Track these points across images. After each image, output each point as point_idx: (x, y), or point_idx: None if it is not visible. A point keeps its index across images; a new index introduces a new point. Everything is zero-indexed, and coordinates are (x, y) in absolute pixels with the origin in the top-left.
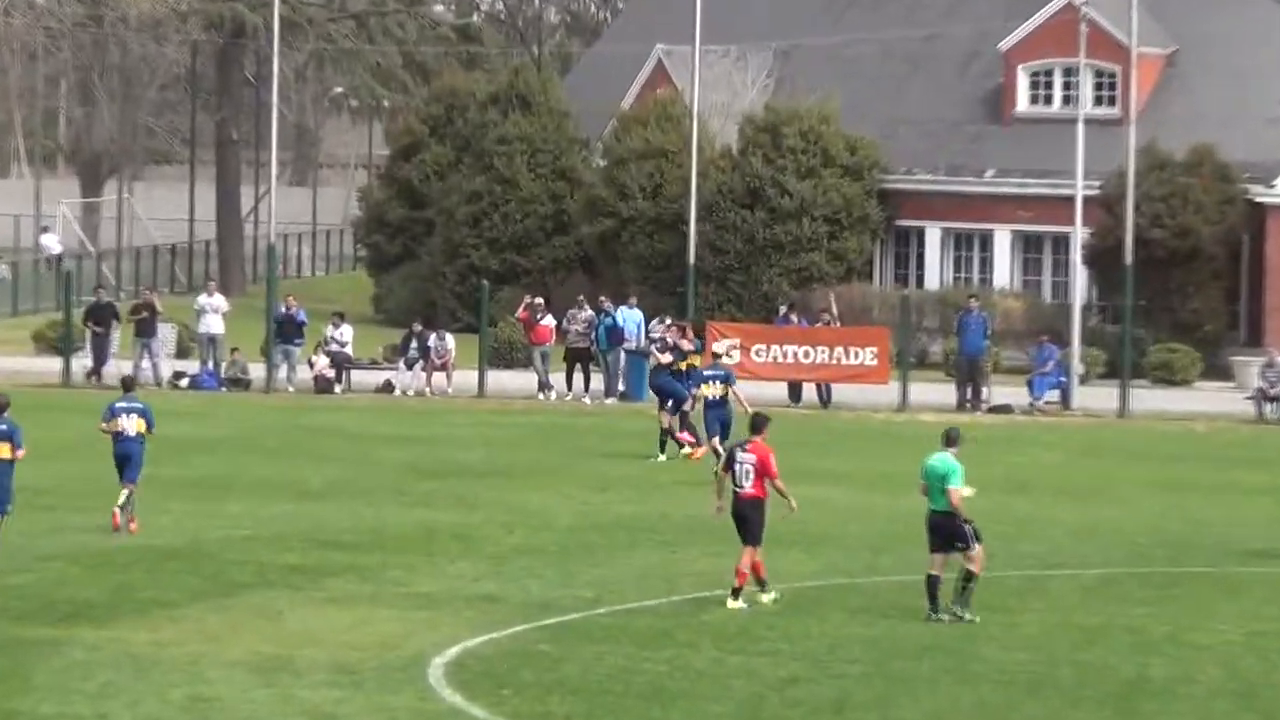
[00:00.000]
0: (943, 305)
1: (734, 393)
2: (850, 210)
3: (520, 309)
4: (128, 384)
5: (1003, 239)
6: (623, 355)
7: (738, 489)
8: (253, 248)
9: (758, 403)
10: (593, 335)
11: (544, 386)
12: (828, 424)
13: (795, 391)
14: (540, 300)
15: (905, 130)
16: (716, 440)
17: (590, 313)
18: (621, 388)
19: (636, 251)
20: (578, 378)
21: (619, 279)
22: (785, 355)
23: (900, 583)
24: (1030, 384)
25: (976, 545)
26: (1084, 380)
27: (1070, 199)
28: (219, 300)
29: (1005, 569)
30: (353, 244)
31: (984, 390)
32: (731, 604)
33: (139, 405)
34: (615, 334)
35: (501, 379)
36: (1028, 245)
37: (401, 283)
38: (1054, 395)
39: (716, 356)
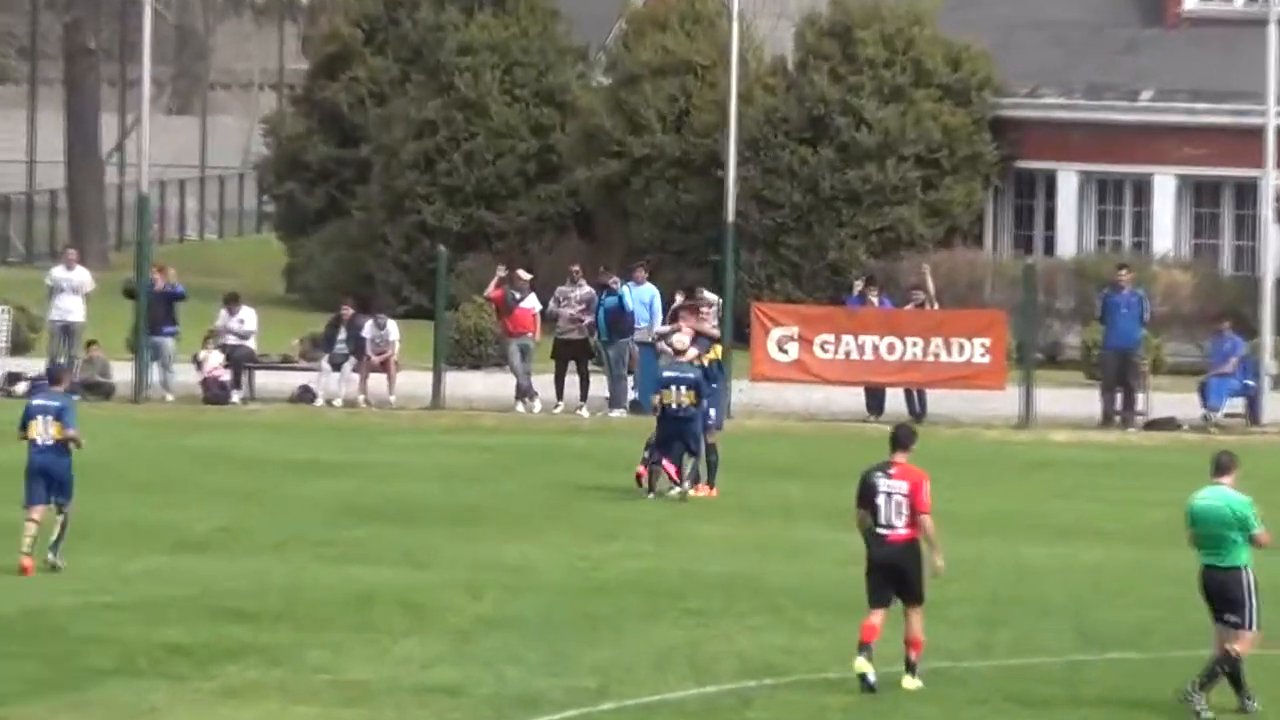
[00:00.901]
0: (1081, 279)
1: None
2: (953, 147)
3: (492, 286)
4: (54, 375)
5: (1164, 187)
6: (633, 349)
7: (884, 530)
8: (117, 200)
9: (822, 415)
10: (591, 321)
11: (524, 393)
12: (922, 445)
13: (875, 400)
14: (520, 274)
15: (1028, 37)
16: (667, 463)
17: (588, 290)
18: (633, 393)
19: (653, 205)
20: (571, 381)
21: (628, 244)
22: (861, 350)
23: (1027, 668)
24: (1204, 389)
25: (1255, 626)
26: (1278, 384)
27: (1257, 131)
28: (81, 276)
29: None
30: (256, 195)
31: (1139, 398)
32: (909, 683)
33: (56, 403)
34: (622, 320)
35: (466, 383)
36: (1199, 195)
37: (325, 249)
38: (1237, 404)
39: (679, 354)
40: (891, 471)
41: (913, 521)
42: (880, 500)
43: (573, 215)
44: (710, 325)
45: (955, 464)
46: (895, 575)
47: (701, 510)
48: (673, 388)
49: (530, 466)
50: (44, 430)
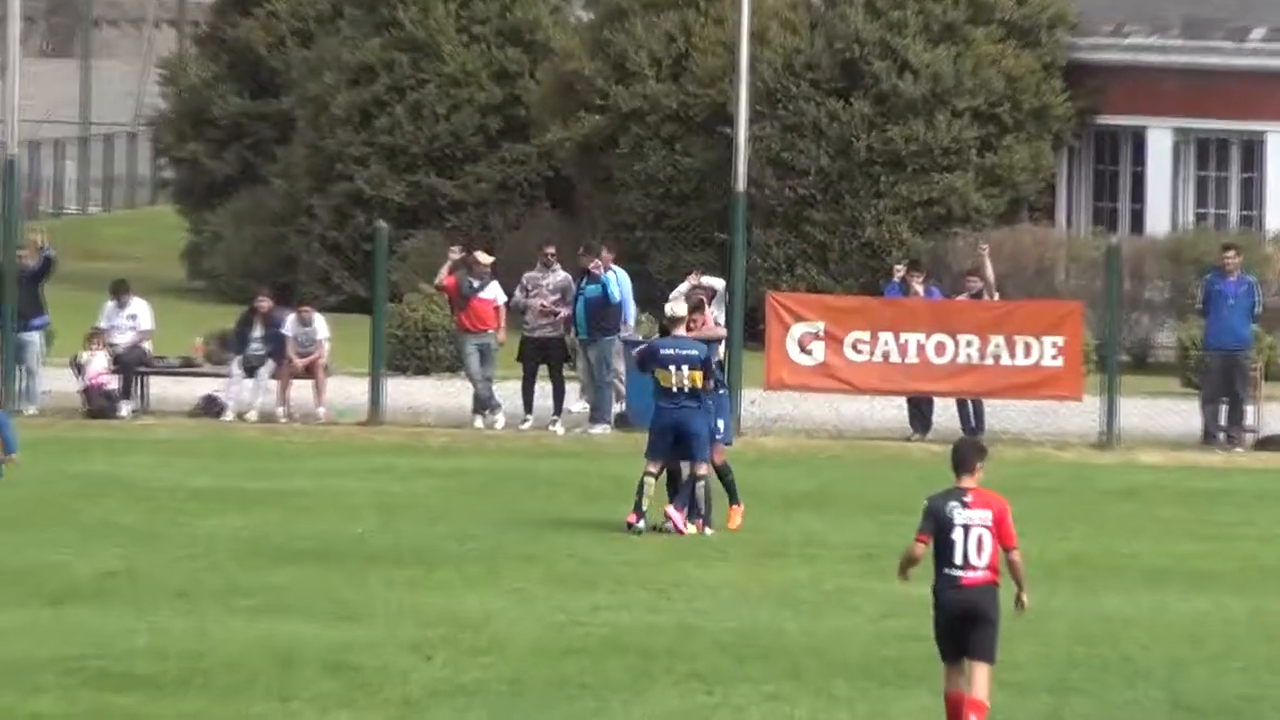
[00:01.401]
0: (1176, 263)
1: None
2: (1017, 99)
3: (444, 271)
4: None
5: (1279, 148)
6: (617, 348)
7: (959, 571)
8: None
9: (853, 431)
10: (569, 315)
11: (484, 405)
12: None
13: (920, 413)
14: (479, 256)
15: None
16: (673, 511)
17: (564, 276)
18: (619, 406)
19: (644, 170)
20: (543, 389)
21: (613, 217)
22: (903, 351)
23: None
24: None
25: None
26: None
27: None
28: None
29: None
30: (150, 159)
31: (1248, 410)
32: None
33: None
34: (606, 314)
35: (411, 392)
36: None
37: (235, 226)
38: None
39: (677, 322)
40: (968, 499)
41: (994, 561)
42: (957, 536)
43: (545, 183)
44: (712, 320)
45: (1021, 494)
46: (970, 625)
47: (706, 549)
48: (671, 368)
49: (492, 497)
50: None
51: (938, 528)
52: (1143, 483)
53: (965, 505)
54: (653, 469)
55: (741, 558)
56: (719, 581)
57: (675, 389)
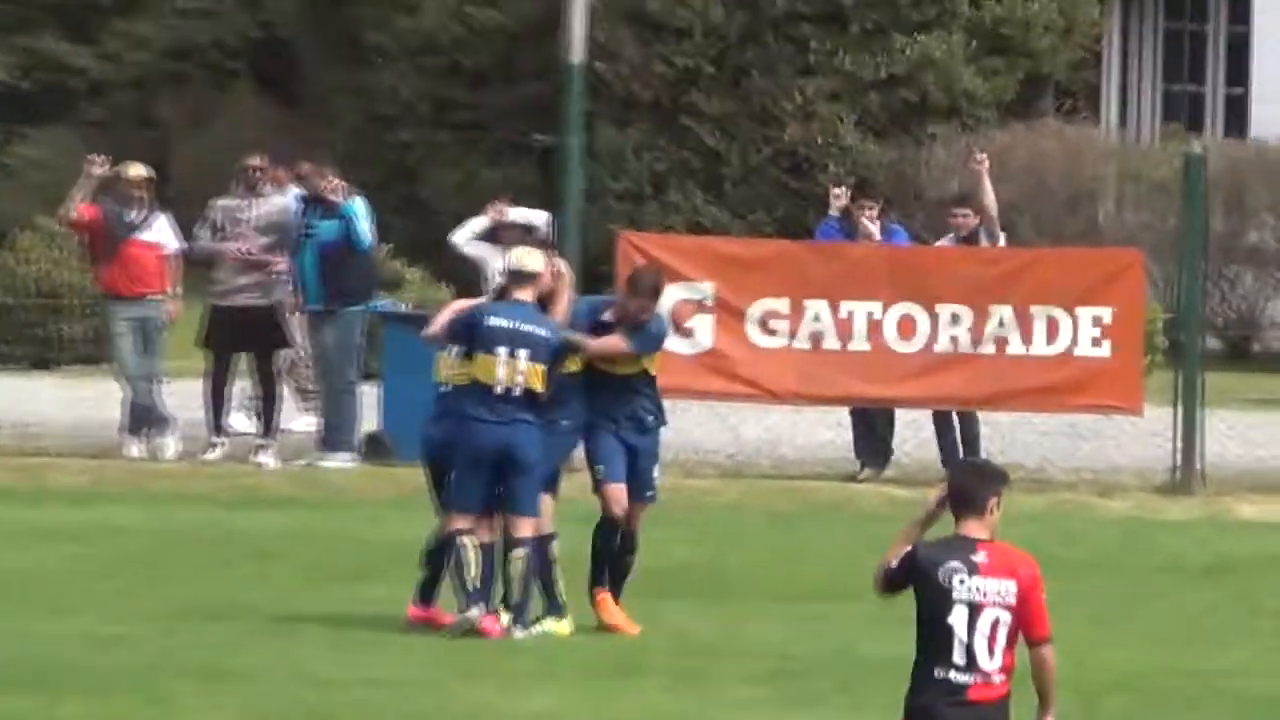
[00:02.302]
0: None
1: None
2: None
3: (78, 196)
4: None
5: None
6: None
7: (963, 676)
8: None
9: (760, 466)
10: (285, 269)
11: (145, 420)
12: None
13: (873, 436)
14: (134, 171)
15: None
16: (469, 523)
17: (280, 204)
18: (370, 423)
19: (412, 31)
20: (241, 390)
21: (362, 108)
22: (845, 331)
23: None
24: None
25: None
26: None
27: None
28: None
29: None
30: None
31: None
32: None
33: None
34: (350, 268)
35: (23, 399)
36: None
37: None
38: None
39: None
40: (978, 560)
41: (1010, 661)
42: (958, 619)
43: (249, 49)
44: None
45: (1041, 568)
46: None
47: (520, 662)
48: (500, 351)
49: (157, 574)
50: None
51: (937, 604)
52: (1240, 553)
53: (974, 570)
54: (464, 523)
55: (577, 676)
56: (533, 713)
57: (501, 389)
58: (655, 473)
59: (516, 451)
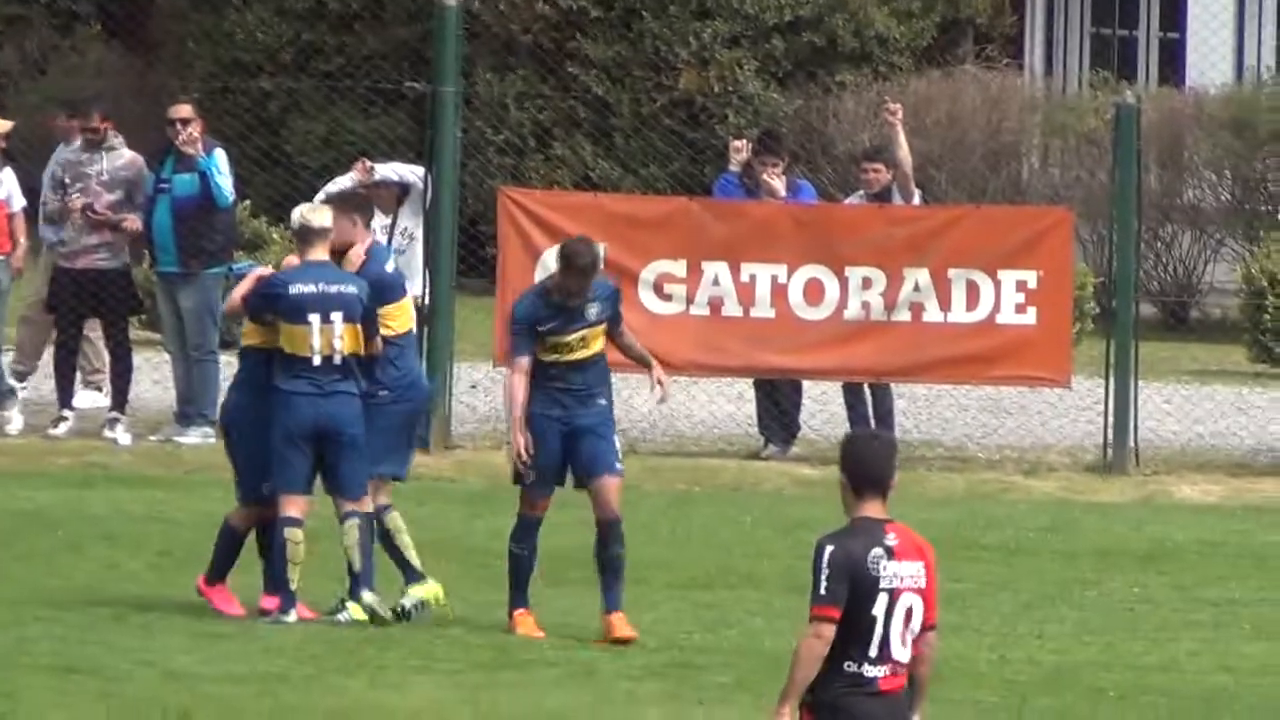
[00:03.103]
0: (1242, 138)
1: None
2: None
3: None
4: None
5: None
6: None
7: (872, 667)
8: None
9: (654, 444)
10: (134, 227)
11: None
12: (896, 507)
13: (778, 411)
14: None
15: None
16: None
17: (130, 158)
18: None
19: None
20: (90, 356)
21: (219, 53)
22: (746, 296)
23: None
24: None
25: None
26: None
27: None
28: None
29: None
30: None
31: None
32: None
33: None
34: (209, 226)
35: None
36: None
37: None
38: None
39: (313, 238)
40: (892, 543)
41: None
42: (879, 607)
43: None
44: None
45: (960, 555)
46: None
47: (388, 649)
48: (313, 319)
49: (5, 560)
50: None
51: (864, 595)
52: (1177, 538)
53: (891, 554)
54: (294, 510)
55: (458, 669)
56: (410, 709)
57: (320, 359)
58: (616, 444)
59: (339, 425)
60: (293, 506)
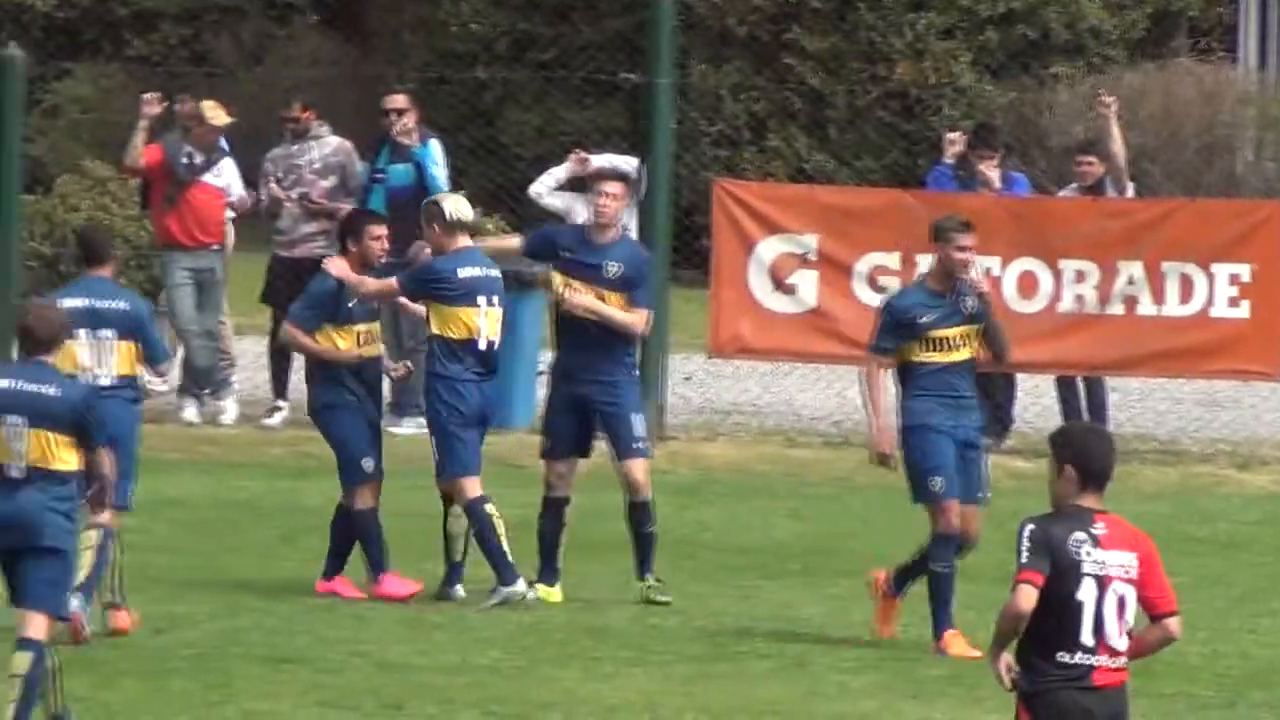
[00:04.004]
0: None
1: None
2: None
3: (140, 138)
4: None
5: None
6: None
7: (1084, 657)
8: None
9: (860, 433)
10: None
11: (204, 381)
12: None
13: (993, 404)
14: (208, 109)
15: None
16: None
17: (337, 145)
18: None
19: None
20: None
21: (434, 44)
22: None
23: None
24: None
25: None
26: None
27: None
28: None
29: None
30: None
31: None
32: None
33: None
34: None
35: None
36: None
37: None
38: None
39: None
40: (1099, 531)
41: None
42: (1086, 594)
43: None
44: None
45: (1174, 546)
46: None
47: (605, 642)
48: (481, 301)
49: (219, 550)
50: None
51: (1067, 581)
52: None
53: (1098, 543)
54: (478, 489)
55: (669, 659)
56: (622, 701)
57: (485, 344)
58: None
59: (493, 409)
60: (476, 487)
